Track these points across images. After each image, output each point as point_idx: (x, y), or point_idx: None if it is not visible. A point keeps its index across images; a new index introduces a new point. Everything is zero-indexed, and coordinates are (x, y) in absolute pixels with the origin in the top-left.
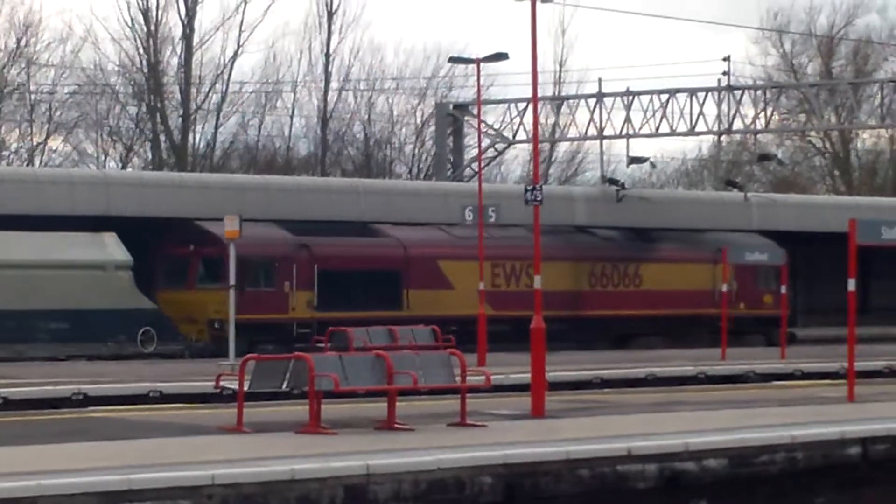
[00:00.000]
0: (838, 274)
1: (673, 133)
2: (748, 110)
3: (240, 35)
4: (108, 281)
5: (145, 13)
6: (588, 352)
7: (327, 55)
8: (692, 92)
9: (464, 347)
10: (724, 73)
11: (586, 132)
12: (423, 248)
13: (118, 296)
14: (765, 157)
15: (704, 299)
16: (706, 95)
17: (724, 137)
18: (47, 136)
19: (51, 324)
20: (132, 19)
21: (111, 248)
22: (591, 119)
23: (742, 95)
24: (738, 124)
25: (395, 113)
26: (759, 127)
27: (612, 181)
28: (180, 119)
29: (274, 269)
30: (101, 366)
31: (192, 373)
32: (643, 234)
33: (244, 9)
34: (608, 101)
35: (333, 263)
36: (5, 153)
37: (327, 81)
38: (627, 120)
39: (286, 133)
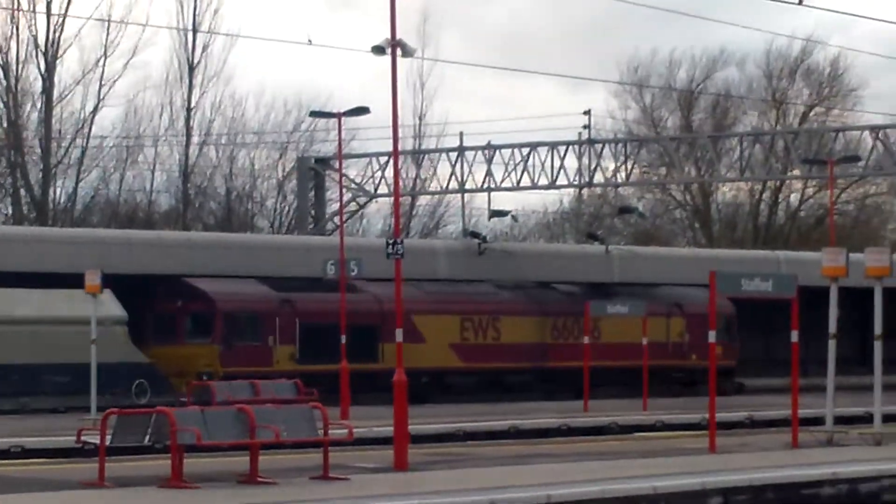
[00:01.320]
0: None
1: (534, 186)
2: (609, 163)
3: (100, 89)
4: (104, 336)
5: (5, 67)
6: (454, 405)
7: (188, 109)
8: (553, 145)
9: (436, 398)
10: (585, 127)
11: (447, 185)
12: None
13: (114, 350)
14: (625, 210)
15: (659, 351)
16: (567, 149)
17: (585, 190)
18: None
19: (53, 377)
20: None
21: (107, 304)
22: (453, 172)
23: (603, 149)
24: (598, 177)
25: (256, 167)
26: (619, 180)
27: (474, 234)
28: (41, 174)
29: (258, 324)
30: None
31: (55, 428)
32: (601, 288)
33: (104, 62)
34: (469, 154)
35: (315, 318)
36: None
37: (188, 135)
38: (489, 173)
39: (147, 187)
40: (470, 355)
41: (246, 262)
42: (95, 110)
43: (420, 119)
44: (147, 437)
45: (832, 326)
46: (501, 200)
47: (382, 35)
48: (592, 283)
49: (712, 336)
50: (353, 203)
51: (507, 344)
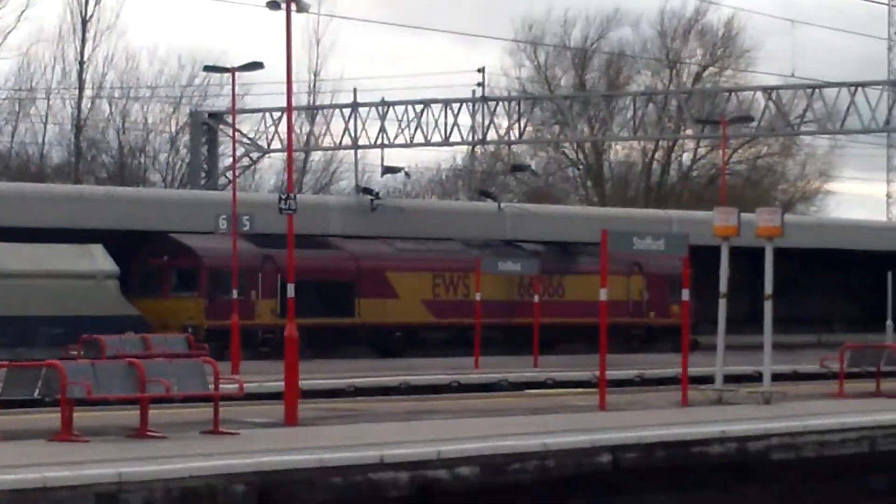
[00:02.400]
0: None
1: (427, 143)
2: (502, 121)
3: None
4: (97, 290)
5: None
6: (345, 360)
7: (81, 63)
8: (447, 103)
9: (409, 352)
10: (479, 85)
11: (341, 142)
12: (371, 260)
13: (106, 303)
14: (518, 168)
15: (619, 309)
16: (461, 106)
17: (478, 148)
18: None
19: (48, 329)
20: None
21: (99, 259)
22: (346, 128)
23: (496, 107)
24: (492, 135)
25: (149, 121)
26: (513, 138)
27: (367, 190)
28: None
29: (241, 279)
30: None
31: None
32: (565, 247)
33: None
34: (363, 111)
35: (298, 273)
36: None
37: (81, 89)
38: (382, 130)
39: (40, 140)
40: (441, 311)
41: (143, 216)
42: None
43: (314, 75)
44: (37, 391)
45: (723, 286)
46: (394, 157)
47: None
48: (486, 239)
49: (603, 294)
50: (247, 158)
51: (474, 301)
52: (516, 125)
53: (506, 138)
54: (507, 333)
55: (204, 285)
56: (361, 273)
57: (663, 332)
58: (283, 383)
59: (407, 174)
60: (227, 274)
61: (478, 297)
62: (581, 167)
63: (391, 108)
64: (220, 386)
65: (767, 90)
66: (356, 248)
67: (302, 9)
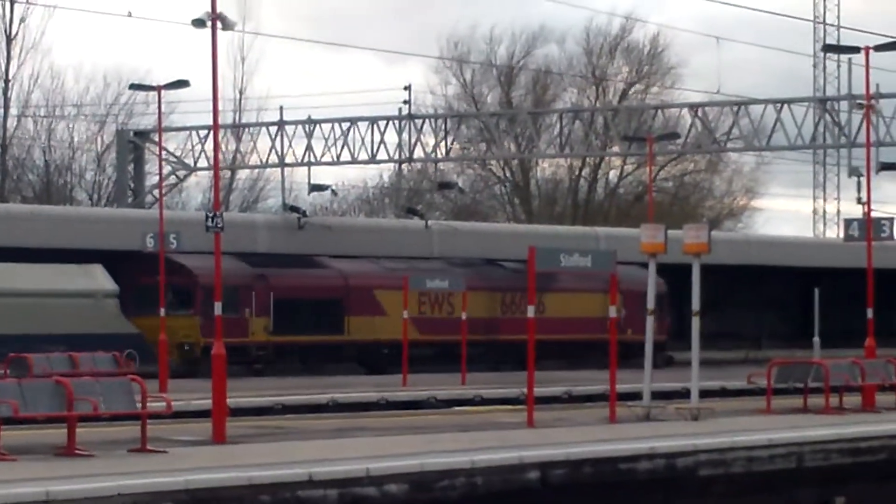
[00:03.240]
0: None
1: (354, 161)
2: (429, 139)
3: None
4: (97, 308)
5: None
6: (274, 378)
7: (6, 80)
8: (373, 120)
9: (396, 368)
10: (405, 102)
11: (267, 160)
12: (360, 278)
13: (106, 321)
14: (445, 186)
15: (597, 326)
16: (387, 124)
17: (405, 165)
18: None
19: (50, 347)
20: None
21: (99, 278)
22: (273, 146)
23: (423, 124)
24: (418, 153)
25: (75, 139)
26: (439, 155)
27: (294, 209)
28: None
29: (235, 298)
30: None
31: None
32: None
33: None
34: (289, 129)
35: (287, 292)
36: None
37: (6, 107)
38: (309, 148)
39: None
40: (427, 328)
41: (68, 234)
42: None
43: (240, 93)
44: None
45: (650, 302)
46: (321, 175)
47: (200, 8)
48: (412, 257)
49: (531, 311)
50: (173, 176)
51: (459, 318)
52: (443, 143)
53: (432, 156)
54: (490, 349)
55: (199, 303)
56: (350, 291)
57: (640, 348)
58: (210, 401)
59: (334, 192)
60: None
61: (464, 316)
62: (508, 184)
63: (318, 125)
64: (148, 404)
65: (693, 107)
66: (345, 267)
67: (227, 27)
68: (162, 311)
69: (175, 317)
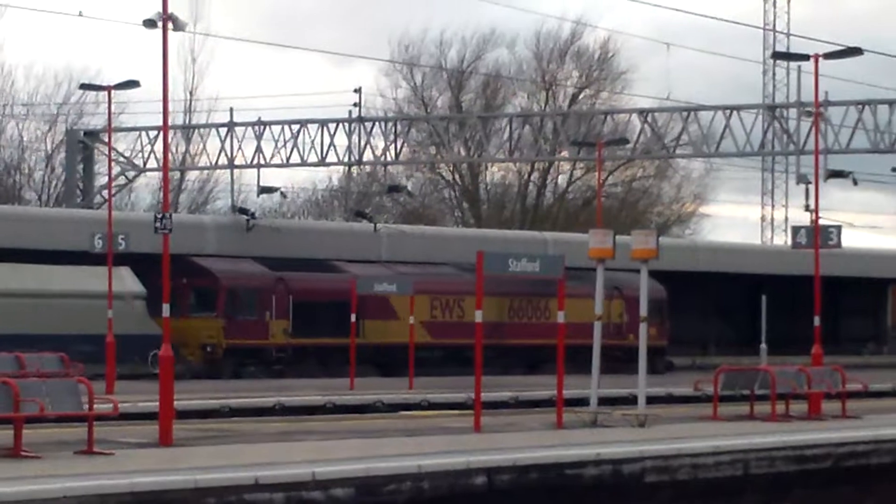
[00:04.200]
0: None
1: (304, 163)
2: (379, 142)
3: None
4: (125, 309)
5: None
6: (217, 380)
7: None
8: (323, 123)
9: (405, 370)
10: (355, 105)
11: (217, 161)
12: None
13: (134, 323)
14: (395, 189)
15: (602, 331)
16: (337, 126)
17: (354, 168)
18: None
19: (81, 346)
20: None
21: (128, 280)
22: (223, 148)
23: (373, 127)
24: (368, 156)
25: (25, 139)
26: (389, 158)
27: (243, 210)
28: None
29: (256, 300)
30: None
31: None
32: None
33: None
34: (239, 130)
35: (305, 295)
36: None
37: None
38: (258, 149)
39: None
40: (438, 331)
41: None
42: None
43: (190, 94)
44: None
45: (598, 308)
46: (271, 177)
47: (151, 9)
48: (360, 260)
49: (479, 315)
50: (122, 177)
51: (469, 322)
52: (392, 146)
53: (382, 159)
54: (497, 353)
55: (222, 305)
56: (366, 296)
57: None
58: (157, 403)
59: (283, 194)
60: (244, 294)
61: (478, 316)
62: (457, 188)
63: (267, 127)
64: (95, 406)
65: (643, 112)
66: (360, 272)
67: (178, 27)
68: (109, 313)
69: (198, 319)
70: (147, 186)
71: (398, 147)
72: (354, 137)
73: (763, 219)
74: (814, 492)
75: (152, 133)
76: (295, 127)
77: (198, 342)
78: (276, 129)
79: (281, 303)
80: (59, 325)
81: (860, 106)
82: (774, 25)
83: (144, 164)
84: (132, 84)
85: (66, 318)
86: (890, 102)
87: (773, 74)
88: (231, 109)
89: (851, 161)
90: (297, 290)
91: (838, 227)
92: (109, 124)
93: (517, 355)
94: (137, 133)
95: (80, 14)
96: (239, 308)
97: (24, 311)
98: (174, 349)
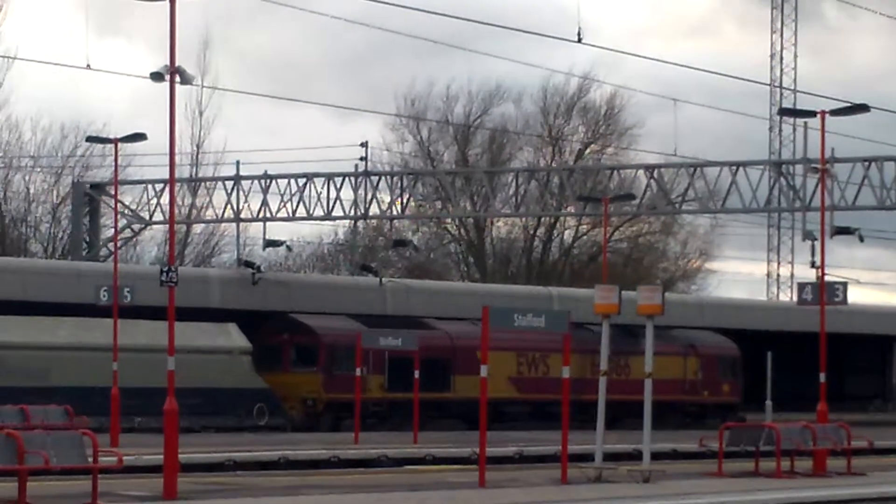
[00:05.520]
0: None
1: (310, 217)
2: (385, 196)
3: None
4: (232, 364)
5: None
6: (223, 434)
7: None
8: (329, 177)
9: (496, 425)
10: (362, 159)
11: (223, 214)
12: (466, 339)
13: (240, 377)
14: (400, 243)
15: (677, 387)
16: (343, 180)
17: (360, 222)
18: None
19: (190, 400)
20: None
21: (234, 336)
22: (228, 201)
23: (379, 181)
24: (374, 209)
25: (31, 191)
26: (395, 213)
27: (248, 264)
28: None
29: (354, 356)
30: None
31: None
32: (629, 329)
33: None
34: (245, 183)
35: (399, 352)
36: None
37: None
38: (264, 203)
39: None
40: (524, 387)
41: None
42: None
43: (197, 147)
44: None
45: (603, 363)
46: (277, 230)
47: (157, 62)
48: (365, 314)
49: (484, 371)
50: (128, 230)
51: (554, 378)
52: (398, 200)
53: (388, 213)
54: (579, 408)
55: (322, 361)
56: (456, 351)
57: (715, 409)
58: (161, 456)
59: (289, 248)
60: (343, 350)
61: (566, 372)
62: (463, 243)
63: (274, 181)
64: (99, 458)
65: (649, 168)
66: (451, 329)
67: (185, 81)
68: (115, 365)
69: (299, 374)
70: (153, 239)
71: (404, 201)
72: (360, 191)
73: (769, 275)
74: None
75: (158, 186)
76: (301, 180)
77: (298, 396)
78: (283, 182)
79: (377, 359)
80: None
81: (866, 163)
82: (781, 82)
83: (150, 216)
84: (139, 137)
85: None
86: None
87: (780, 131)
88: (237, 163)
89: (857, 218)
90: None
91: (844, 284)
92: (116, 177)
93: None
94: (143, 186)
95: (88, 66)
96: (339, 363)
97: (136, 364)
98: (277, 403)
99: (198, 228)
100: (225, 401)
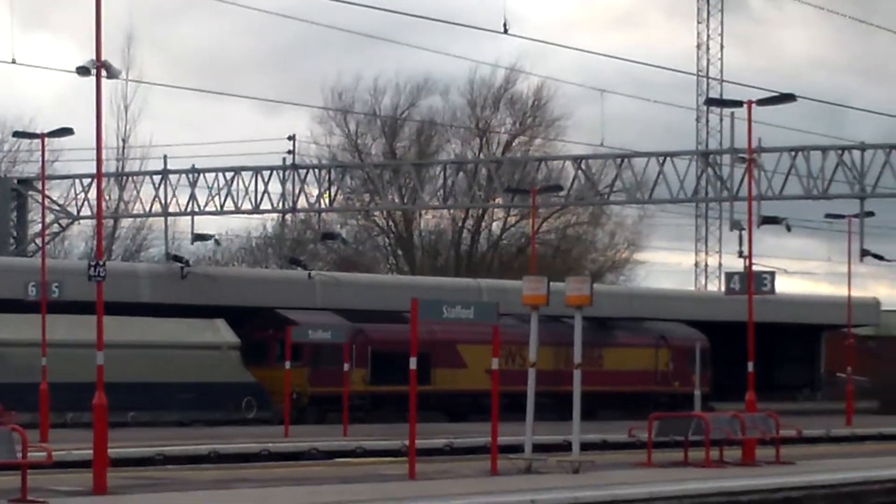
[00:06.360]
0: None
1: (238, 211)
2: (313, 189)
3: None
4: (221, 359)
5: None
6: (155, 428)
7: None
8: (257, 170)
9: (475, 417)
10: (289, 152)
11: (151, 209)
12: (445, 333)
13: (229, 371)
14: (329, 236)
15: (649, 378)
16: (271, 174)
17: (288, 216)
18: None
19: (181, 395)
20: None
21: (223, 331)
22: (156, 195)
23: (306, 174)
24: (302, 203)
25: None
26: (323, 206)
27: (177, 258)
28: None
29: (339, 351)
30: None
31: None
32: (603, 322)
33: None
34: (173, 178)
35: (382, 345)
36: None
37: None
38: (192, 197)
39: None
40: (502, 379)
41: None
42: None
43: (124, 141)
44: None
45: (532, 355)
46: (205, 224)
47: (80, 57)
48: (294, 307)
49: (413, 363)
50: (56, 225)
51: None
52: (327, 193)
53: (316, 206)
54: (555, 400)
55: (307, 355)
56: (436, 345)
57: (685, 399)
58: (91, 451)
59: (217, 242)
60: (328, 345)
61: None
62: (391, 236)
63: (201, 175)
64: (29, 454)
65: (577, 159)
66: (431, 323)
67: (112, 75)
68: (44, 360)
69: (283, 367)
70: (80, 234)
71: (332, 194)
72: (288, 185)
73: (696, 265)
74: None
75: (86, 181)
76: (229, 174)
77: (283, 390)
78: (210, 176)
79: (360, 353)
80: (160, 373)
81: (793, 152)
82: (708, 72)
83: (78, 211)
84: (65, 132)
85: (167, 367)
86: (823, 149)
87: (707, 121)
88: (165, 157)
89: (785, 207)
90: (374, 341)
91: (772, 274)
92: (43, 172)
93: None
94: (71, 181)
95: (14, 61)
96: (324, 358)
97: (128, 360)
98: (266, 396)
99: (126, 223)
100: (215, 395)
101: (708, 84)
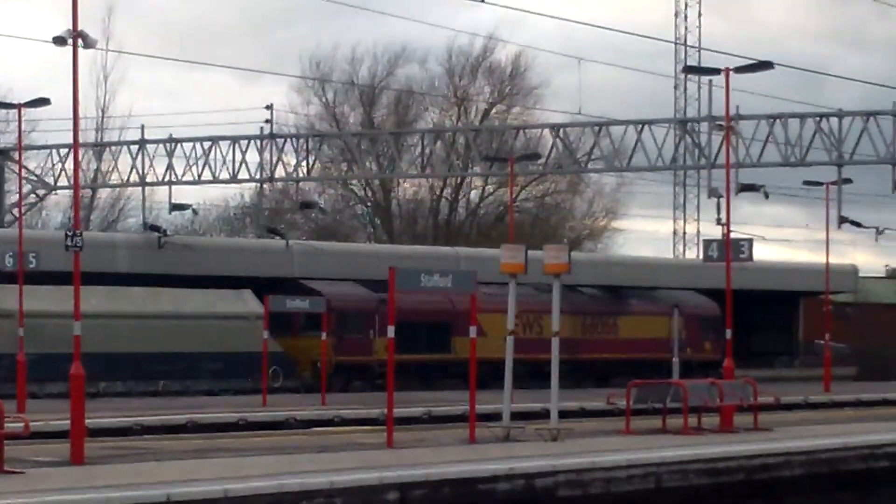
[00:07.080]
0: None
1: (216, 181)
2: (290, 159)
3: None
4: (248, 329)
5: None
6: (136, 398)
7: None
8: (235, 140)
9: (494, 384)
10: (267, 122)
11: (128, 178)
12: (465, 303)
13: (256, 341)
14: (307, 205)
15: (662, 346)
16: (249, 143)
17: (266, 185)
18: None
19: (211, 364)
20: None
21: (250, 302)
22: (134, 165)
23: (284, 144)
24: (280, 172)
25: None
26: (301, 175)
27: (154, 228)
28: None
29: (363, 320)
30: None
31: None
32: (616, 290)
33: None
34: (151, 147)
35: (405, 315)
36: None
37: None
38: (170, 167)
39: None
40: (521, 347)
41: None
42: None
43: (102, 111)
44: None
45: (510, 323)
46: (183, 194)
47: (62, 26)
48: (273, 277)
49: (391, 331)
50: (33, 195)
51: (548, 338)
52: (304, 162)
53: (294, 175)
54: (573, 367)
55: (332, 325)
56: (457, 314)
57: (698, 367)
58: (69, 422)
59: (195, 211)
60: (351, 315)
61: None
62: (369, 204)
63: (179, 144)
64: (6, 424)
65: (555, 128)
66: (453, 293)
67: (89, 45)
68: (20, 331)
69: (309, 337)
70: (58, 205)
71: (310, 163)
72: (266, 154)
73: (675, 233)
74: None
75: (63, 151)
76: (206, 144)
77: (309, 359)
78: (188, 146)
79: (384, 322)
80: (191, 343)
81: (771, 120)
82: (686, 40)
83: (55, 182)
84: (42, 102)
85: (197, 337)
86: (800, 116)
87: (685, 89)
88: (142, 127)
89: (763, 175)
90: (398, 310)
91: (750, 241)
92: (20, 142)
93: (589, 370)
94: (48, 151)
95: None
96: (348, 327)
97: (160, 330)
98: (291, 366)
99: (103, 193)
100: (242, 365)
101: (686, 52)
